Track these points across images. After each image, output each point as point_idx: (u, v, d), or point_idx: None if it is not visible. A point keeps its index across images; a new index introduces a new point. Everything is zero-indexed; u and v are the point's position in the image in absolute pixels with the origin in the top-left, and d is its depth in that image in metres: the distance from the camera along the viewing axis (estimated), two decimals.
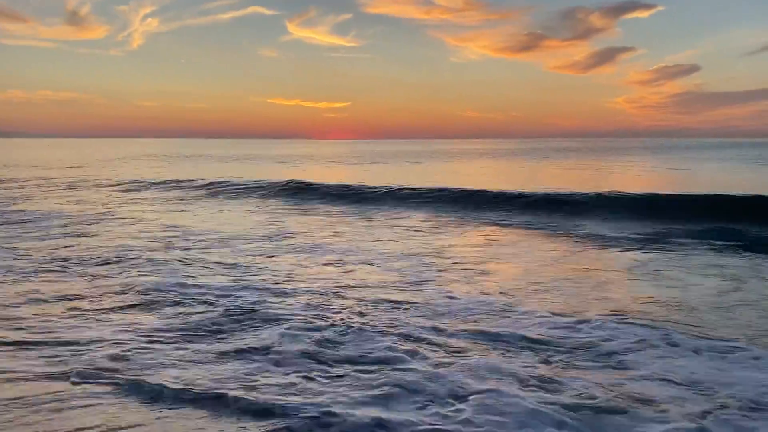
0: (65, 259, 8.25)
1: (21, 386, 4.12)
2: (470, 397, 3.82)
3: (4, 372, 4.34)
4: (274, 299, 6.20)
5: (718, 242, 9.17)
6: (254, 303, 6.02)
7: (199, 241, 9.96)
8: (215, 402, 3.83)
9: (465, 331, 5.16)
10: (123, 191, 19.53)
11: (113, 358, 4.55)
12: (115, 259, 8.25)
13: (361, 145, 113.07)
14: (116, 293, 6.47)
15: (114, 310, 5.90)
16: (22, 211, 14.04)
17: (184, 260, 8.23)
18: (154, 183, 21.08)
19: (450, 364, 4.38)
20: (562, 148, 75.19)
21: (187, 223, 12.41)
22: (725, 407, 3.67)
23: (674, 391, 3.93)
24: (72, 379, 4.21)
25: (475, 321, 5.45)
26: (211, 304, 6.02)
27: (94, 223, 12.11)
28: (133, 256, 8.44)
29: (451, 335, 5.06)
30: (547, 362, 4.46)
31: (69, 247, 9.23)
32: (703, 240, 9.40)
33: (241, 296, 6.29)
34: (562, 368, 4.34)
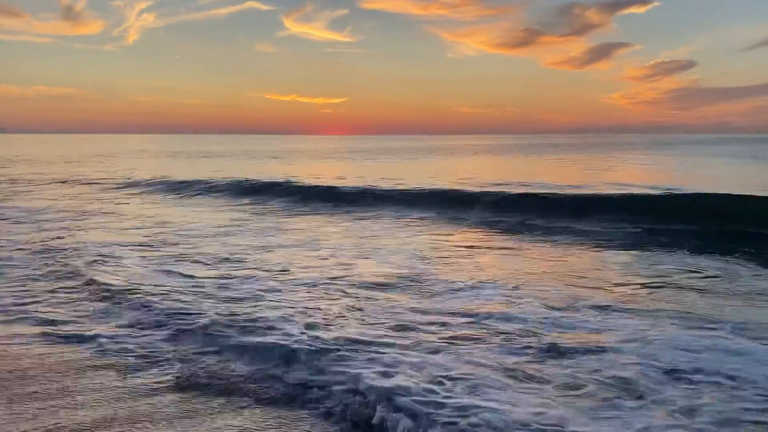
0: (62, 253, 8.27)
1: (63, 375, 4.27)
2: (463, 382, 3.93)
3: (45, 362, 4.49)
4: (273, 291, 6.27)
5: (708, 241, 9.23)
6: (254, 295, 6.09)
7: (193, 236, 9.99)
8: (239, 392, 4.02)
9: (461, 321, 5.25)
10: (116, 188, 19.51)
11: (142, 348, 4.77)
12: (109, 254, 8.28)
13: (357, 142, 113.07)
14: (116, 287, 6.50)
15: (117, 303, 5.97)
16: (17, 207, 14.05)
17: (181, 255, 8.27)
18: (148, 180, 21.05)
19: (446, 350, 4.51)
20: (558, 145, 75.41)
21: (181, 219, 12.45)
22: (705, 394, 3.77)
23: (655, 376, 4.03)
24: (115, 368, 4.39)
25: (470, 311, 5.52)
26: (211, 296, 6.09)
27: (86, 219, 12.14)
28: (129, 251, 8.49)
29: (447, 324, 5.17)
30: (537, 350, 4.54)
31: (62, 239, 9.26)
32: (693, 239, 9.46)
33: (241, 288, 6.37)
34: (552, 356, 4.42)
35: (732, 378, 3.98)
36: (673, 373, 4.07)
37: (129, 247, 8.83)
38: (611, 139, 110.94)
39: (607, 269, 7.54)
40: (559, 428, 3.33)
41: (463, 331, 4.99)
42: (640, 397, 3.73)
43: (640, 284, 6.67)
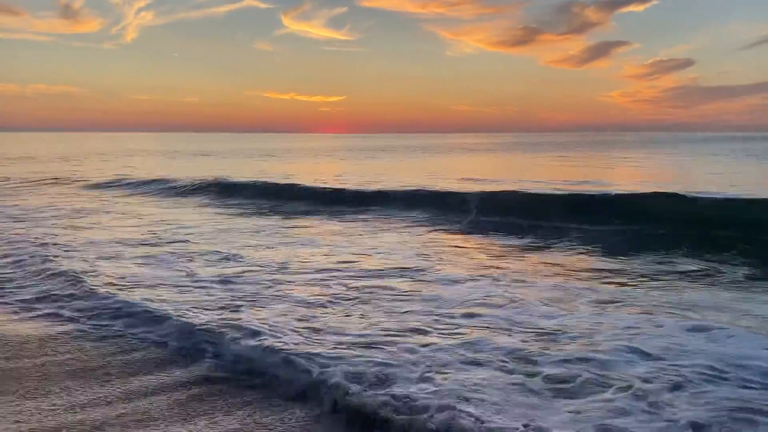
0: (64, 251, 8.35)
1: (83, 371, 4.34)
2: (455, 374, 4.06)
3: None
4: (274, 288, 6.43)
5: (697, 242, 9.26)
6: (255, 292, 6.21)
7: (191, 235, 10.11)
8: (239, 390, 4.14)
9: (459, 314, 5.40)
10: (113, 187, 19.55)
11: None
12: (110, 252, 8.37)
13: (356, 140, 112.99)
14: (118, 284, 6.59)
15: (120, 299, 6.04)
16: (16, 205, 14.13)
17: (181, 253, 8.37)
18: (146, 179, 21.07)
19: (441, 342, 4.65)
20: (557, 143, 75.42)
21: (178, 218, 12.54)
22: (689, 380, 3.93)
23: (643, 365, 4.19)
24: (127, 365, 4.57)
25: (468, 305, 5.67)
26: (213, 291, 6.24)
27: (84, 217, 12.23)
28: (129, 248, 8.59)
29: (445, 317, 5.33)
30: (530, 341, 4.68)
31: (61, 237, 9.33)
32: (687, 238, 9.51)
33: (241, 285, 6.48)
34: (545, 347, 4.56)
35: (717, 365, 4.12)
36: (660, 362, 4.21)
37: (128, 245, 8.91)
38: (610, 138, 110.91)
39: (603, 267, 7.64)
40: (531, 421, 3.42)
41: (461, 325, 5.11)
42: (624, 385, 3.87)
43: (636, 281, 6.79)
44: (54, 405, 3.81)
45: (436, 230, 10.71)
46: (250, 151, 49.09)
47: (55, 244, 8.87)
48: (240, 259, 7.89)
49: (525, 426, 3.33)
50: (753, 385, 3.83)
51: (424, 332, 4.94)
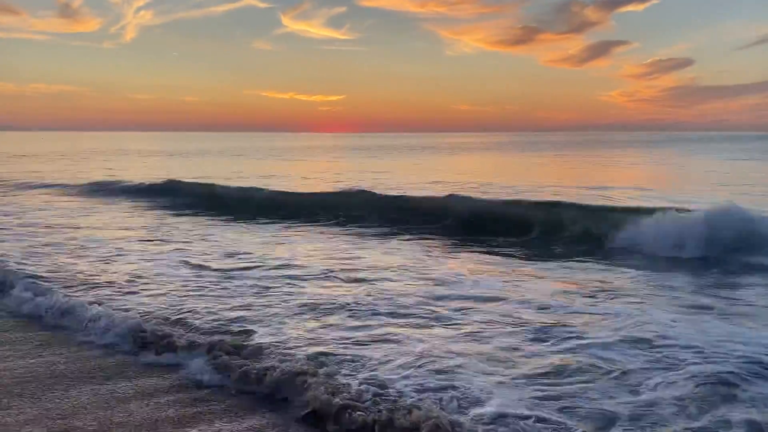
0: (66, 249, 8.32)
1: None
2: (442, 364, 4.13)
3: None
4: (285, 280, 6.57)
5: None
6: (266, 282, 6.32)
7: (188, 234, 10.11)
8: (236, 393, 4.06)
9: (457, 309, 5.45)
10: (108, 188, 19.47)
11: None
12: (112, 251, 8.34)
13: (355, 139, 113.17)
14: (121, 283, 6.55)
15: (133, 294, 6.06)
16: (14, 203, 14.11)
17: (181, 250, 8.35)
18: (144, 182, 21.01)
19: (436, 336, 4.73)
20: (557, 143, 75.53)
21: (174, 219, 12.53)
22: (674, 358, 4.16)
23: (628, 354, 4.33)
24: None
25: (467, 301, 5.71)
26: (223, 286, 6.33)
27: (83, 216, 12.21)
28: (132, 245, 8.58)
29: (442, 311, 5.40)
30: (522, 332, 4.80)
31: (60, 236, 9.31)
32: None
33: (243, 283, 6.45)
34: (538, 338, 4.67)
35: (697, 348, 4.29)
36: (647, 350, 4.32)
37: (131, 243, 8.89)
38: (608, 138, 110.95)
39: (600, 265, 7.63)
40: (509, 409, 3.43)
41: (459, 319, 5.13)
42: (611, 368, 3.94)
43: (631, 278, 6.80)
44: (24, 412, 3.69)
45: (428, 231, 10.64)
46: (250, 150, 49.11)
47: (55, 244, 8.83)
48: (245, 255, 7.85)
49: (501, 416, 3.34)
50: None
51: (419, 327, 4.95)
